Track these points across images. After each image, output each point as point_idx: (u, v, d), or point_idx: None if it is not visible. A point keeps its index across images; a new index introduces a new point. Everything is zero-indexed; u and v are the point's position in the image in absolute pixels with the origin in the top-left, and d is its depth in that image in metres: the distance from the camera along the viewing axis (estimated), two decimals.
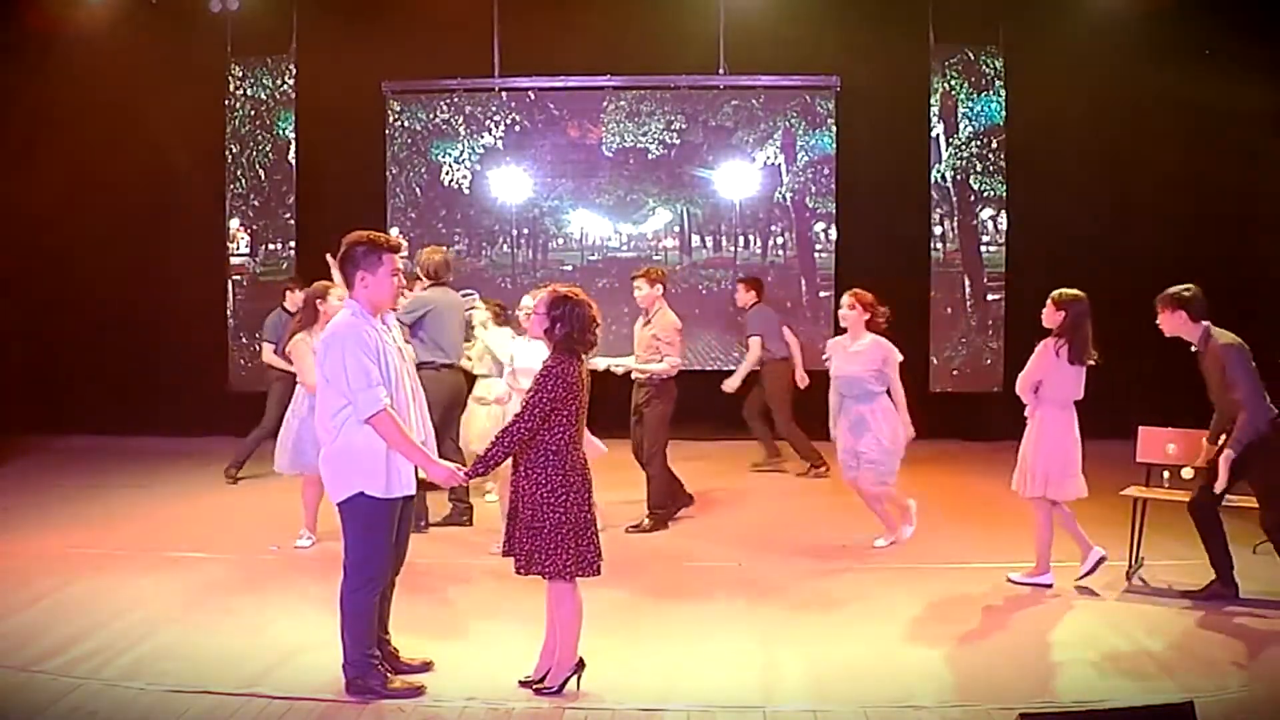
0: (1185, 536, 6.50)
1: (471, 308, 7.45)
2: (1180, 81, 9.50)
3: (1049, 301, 5.71)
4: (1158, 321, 5.62)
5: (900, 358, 6.40)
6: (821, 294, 10.65)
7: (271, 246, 10.71)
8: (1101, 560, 5.66)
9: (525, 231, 10.82)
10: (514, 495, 4.27)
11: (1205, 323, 5.48)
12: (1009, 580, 5.80)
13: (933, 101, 10.43)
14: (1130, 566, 5.77)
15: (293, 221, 10.69)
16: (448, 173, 10.80)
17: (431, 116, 10.78)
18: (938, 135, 10.46)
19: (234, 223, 10.74)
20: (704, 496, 8.21)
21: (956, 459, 9.29)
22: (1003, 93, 10.35)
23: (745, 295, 9.09)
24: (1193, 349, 5.58)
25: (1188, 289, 5.50)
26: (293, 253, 10.59)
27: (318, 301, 6.30)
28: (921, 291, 10.34)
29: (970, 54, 10.39)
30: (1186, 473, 5.73)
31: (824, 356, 6.75)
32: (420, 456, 4.21)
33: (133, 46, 10.10)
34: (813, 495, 8.20)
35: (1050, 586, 5.70)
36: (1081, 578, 5.68)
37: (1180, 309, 5.50)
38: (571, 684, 4.31)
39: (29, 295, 10.44)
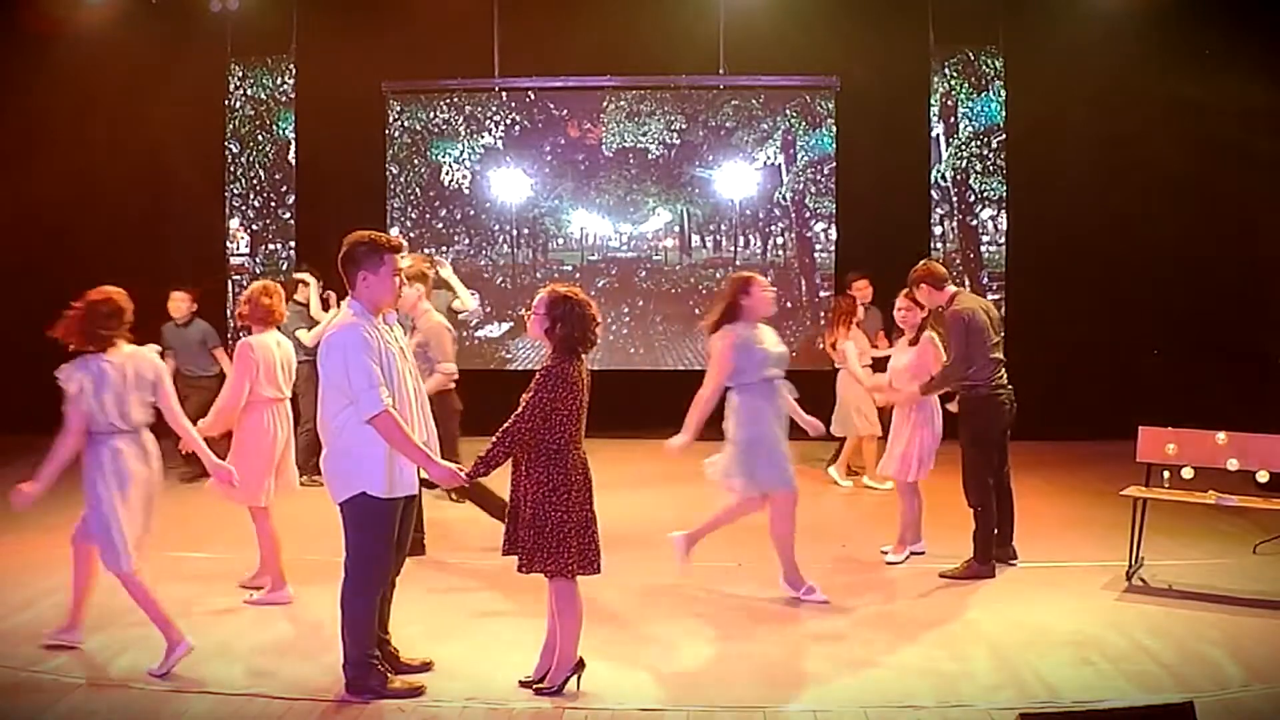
0: (1185, 536, 6.53)
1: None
2: (1180, 81, 9.51)
3: (911, 299, 6.28)
4: (918, 299, 6.23)
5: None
6: (821, 294, 10.66)
7: (271, 246, 10.72)
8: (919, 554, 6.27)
9: (525, 231, 10.83)
10: (515, 494, 4.27)
11: (950, 290, 6.11)
12: (887, 563, 6.24)
13: (933, 101, 10.43)
14: (1130, 566, 5.77)
15: (293, 221, 10.70)
16: (448, 173, 10.81)
17: (431, 116, 10.79)
18: (938, 135, 10.46)
19: (234, 223, 10.74)
20: (704, 496, 8.21)
21: (958, 458, 9.28)
22: (1003, 93, 10.36)
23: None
24: (942, 311, 6.16)
25: (919, 266, 6.18)
26: (293, 253, 10.60)
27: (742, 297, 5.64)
28: None
29: (970, 54, 10.39)
30: (1187, 473, 5.74)
31: None
32: (422, 457, 4.20)
33: (133, 46, 10.10)
34: (813, 496, 8.19)
35: (924, 553, 6.25)
36: (892, 558, 6.24)
37: (918, 284, 6.14)
38: (571, 684, 4.31)
39: (29, 295, 10.42)
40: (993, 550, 5.94)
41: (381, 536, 4.25)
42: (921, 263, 6.29)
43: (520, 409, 4.17)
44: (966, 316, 5.90)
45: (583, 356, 4.29)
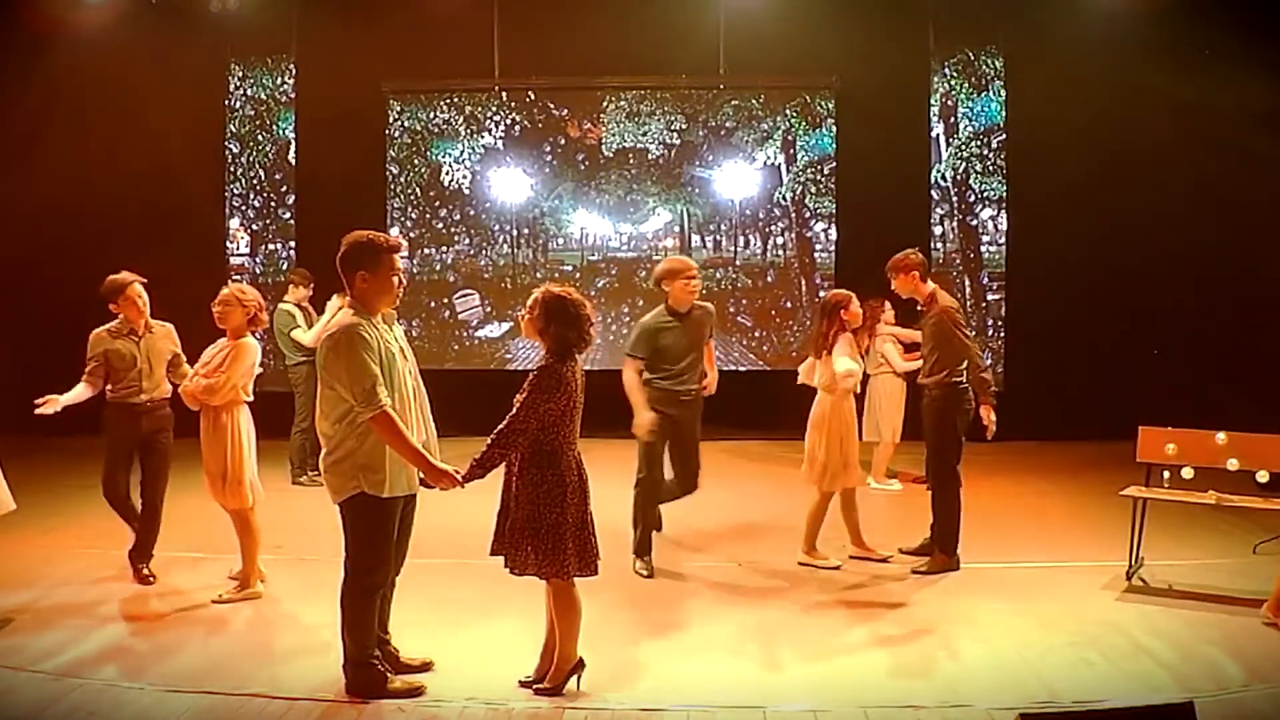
0: (1185, 536, 6.53)
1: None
2: (1180, 82, 9.50)
3: (856, 302, 6.12)
4: (893, 287, 6.18)
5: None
6: (821, 294, 10.65)
7: (271, 246, 10.73)
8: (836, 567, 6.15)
9: (525, 231, 10.83)
10: (507, 495, 4.27)
11: (932, 285, 6.13)
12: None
13: (933, 101, 10.43)
14: (1130, 566, 5.77)
15: (293, 221, 10.70)
16: (448, 173, 10.81)
17: (431, 116, 10.79)
18: (938, 135, 10.46)
19: (234, 223, 10.75)
20: (704, 496, 8.20)
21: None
22: (1003, 93, 10.36)
23: None
24: (919, 307, 6.22)
25: (912, 253, 6.12)
26: (293, 253, 10.61)
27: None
28: None
29: (970, 54, 10.40)
30: (1187, 473, 5.73)
31: None
32: (419, 458, 4.17)
33: (133, 46, 10.10)
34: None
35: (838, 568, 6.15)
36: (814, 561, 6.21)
37: (910, 271, 6.07)
38: (571, 684, 4.31)
39: (28, 295, 10.43)
40: (956, 543, 5.99)
41: (381, 536, 4.25)
42: (911, 250, 6.17)
43: (513, 410, 4.16)
44: (955, 309, 6.02)
45: (577, 357, 4.28)
